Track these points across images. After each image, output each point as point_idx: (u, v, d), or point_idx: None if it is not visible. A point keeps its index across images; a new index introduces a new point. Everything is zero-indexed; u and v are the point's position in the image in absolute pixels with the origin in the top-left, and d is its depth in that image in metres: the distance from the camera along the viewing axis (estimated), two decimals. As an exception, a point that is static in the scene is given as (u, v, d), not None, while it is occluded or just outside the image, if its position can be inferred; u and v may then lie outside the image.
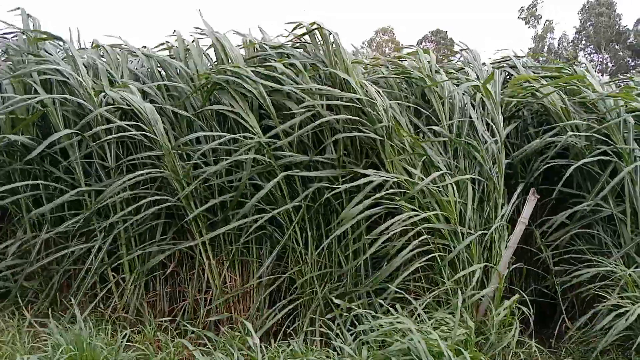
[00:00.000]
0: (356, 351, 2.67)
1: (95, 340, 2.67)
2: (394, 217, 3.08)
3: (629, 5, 57.72)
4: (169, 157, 3.17)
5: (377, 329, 2.72)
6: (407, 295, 2.95)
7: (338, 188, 3.11)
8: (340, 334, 2.85)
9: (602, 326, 2.99)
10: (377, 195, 3.07)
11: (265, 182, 3.21)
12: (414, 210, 3.13)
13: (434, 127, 3.45)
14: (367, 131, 3.16)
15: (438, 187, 3.22)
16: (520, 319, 3.09)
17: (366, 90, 3.23)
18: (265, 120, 3.39)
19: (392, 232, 3.06)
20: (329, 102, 3.18)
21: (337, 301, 3.01)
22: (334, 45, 3.41)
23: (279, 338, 3.07)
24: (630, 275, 3.16)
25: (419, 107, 3.57)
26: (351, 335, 2.83)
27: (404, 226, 3.08)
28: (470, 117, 3.50)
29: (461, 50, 4.57)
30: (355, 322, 2.93)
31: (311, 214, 3.29)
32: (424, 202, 3.19)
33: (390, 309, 2.87)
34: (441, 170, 3.25)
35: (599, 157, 3.42)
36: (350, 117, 3.16)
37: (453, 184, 3.25)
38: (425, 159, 3.29)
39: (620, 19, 31.10)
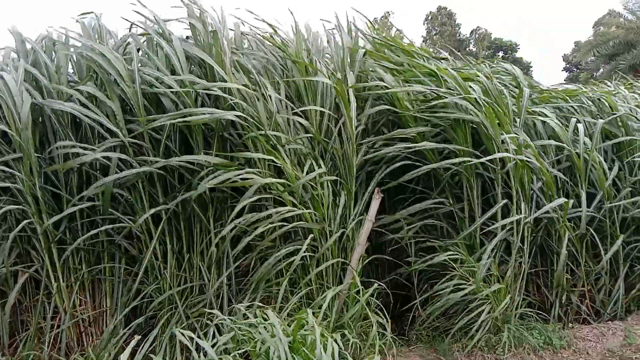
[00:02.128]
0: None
1: None
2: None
3: (466, 16, 65.94)
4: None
5: (243, 335, 2.73)
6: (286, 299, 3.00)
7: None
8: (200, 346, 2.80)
9: (441, 305, 3.31)
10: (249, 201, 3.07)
11: (126, 191, 3.07)
12: (293, 205, 3.15)
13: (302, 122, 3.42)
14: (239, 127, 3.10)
15: (313, 185, 3.27)
16: (380, 310, 3.30)
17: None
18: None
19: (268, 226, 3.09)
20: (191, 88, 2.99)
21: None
22: (210, 33, 3.21)
23: (137, 356, 2.92)
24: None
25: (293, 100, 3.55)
26: (213, 345, 2.80)
27: (278, 220, 3.10)
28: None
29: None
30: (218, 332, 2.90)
31: (172, 225, 3.20)
32: (301, 200, 3.22)
33: (248, 314, 2.88)
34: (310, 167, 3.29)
35: (444, 164, 3.69)
36: (210, 114, 2.98)
37: (328, 183, 3.34)
38: (296, 157, 3.29)
39: (459, 28, 35.12)
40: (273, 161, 3.12)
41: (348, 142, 3.52)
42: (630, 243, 4.00)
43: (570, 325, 3.73)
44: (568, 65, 28.33)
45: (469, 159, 3.49)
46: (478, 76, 3.83)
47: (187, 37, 3.44)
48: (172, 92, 2.95)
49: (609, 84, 5.26)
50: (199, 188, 2.88)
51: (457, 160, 3.50)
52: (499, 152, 3.50)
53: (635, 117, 4.49)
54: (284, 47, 3.67)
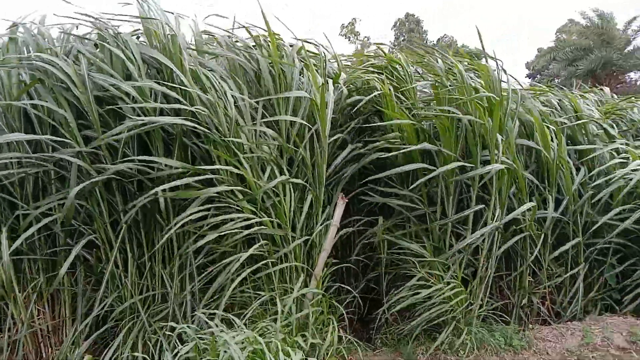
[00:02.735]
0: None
1: None
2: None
3: (433, 23, 66.79)
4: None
5: (205, 344, 2.73)
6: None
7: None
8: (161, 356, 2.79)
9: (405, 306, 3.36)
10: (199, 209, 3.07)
11: (83, 200, 3.02)
12: (253, 213, 3.14)
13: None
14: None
15: (275, 192, 3.26)
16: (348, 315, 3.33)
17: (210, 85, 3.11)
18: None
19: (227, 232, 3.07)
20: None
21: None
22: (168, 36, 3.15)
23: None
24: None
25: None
26: (174, 355, 2.78)
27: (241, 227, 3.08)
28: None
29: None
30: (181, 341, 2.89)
31: (132, 233, 3.16)
32: (262, 207, 3.21)
33: (209, 322, 2.87)
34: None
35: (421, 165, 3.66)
36: (171, 121, 2.96)
37: (290, 189, 3.32)
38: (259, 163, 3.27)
39: (427, 35, 35.53)
40: (236, 167, 3.12)
41: (320, 149, 3.50)
42: (590, 246, 4.11)
43: (530, 326, 3.82)
44: (531, 72, 28.96)
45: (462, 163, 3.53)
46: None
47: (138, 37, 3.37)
48: (129, 99, 2.91)
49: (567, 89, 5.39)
50: (159, 193, 2.86)
51: (450, 166, 3.51)
52: (489, 154, 3.57)
53: (596, 122, 4.63)
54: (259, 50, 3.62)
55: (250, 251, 3.09)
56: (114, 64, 3.01)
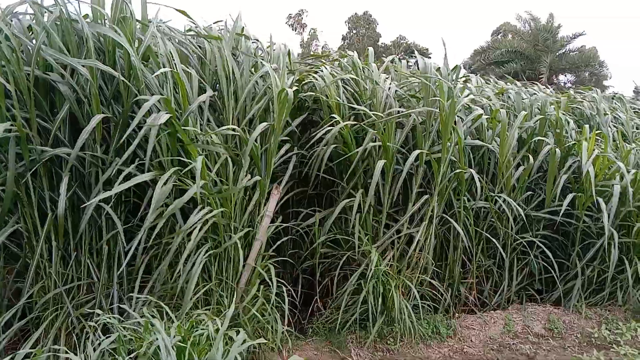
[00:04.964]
0: (100, 361, 2.58)
1: None
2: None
3: (387, 26, 67.61)
4: None
5: (131, 335, 2.68)
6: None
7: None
8: (85, 347, 2.72)
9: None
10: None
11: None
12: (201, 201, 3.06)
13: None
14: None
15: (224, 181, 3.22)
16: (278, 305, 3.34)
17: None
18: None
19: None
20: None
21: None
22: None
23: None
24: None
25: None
26: (99, 345, 2.72)
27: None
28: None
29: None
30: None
31: (56, 221, 3.03)
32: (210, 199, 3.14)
33: (135, 314, 2.82)
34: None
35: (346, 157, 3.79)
36: None
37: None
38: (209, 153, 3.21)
39: (380, 37, 35.98)
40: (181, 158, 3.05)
41: (273, 141, 3.45)
42: (517, 239, 4.32)
43: (457, 315, 4.00)
44: (468, 71, 30.26)
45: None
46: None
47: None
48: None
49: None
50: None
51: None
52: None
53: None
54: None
55: (194, 239, 3.02)
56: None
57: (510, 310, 4.13)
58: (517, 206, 4.08)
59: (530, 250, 4.32)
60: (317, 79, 3.91)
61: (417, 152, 3.72)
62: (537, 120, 4.50)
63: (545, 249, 4.29)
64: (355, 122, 3.81)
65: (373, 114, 3.69)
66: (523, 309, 4.17)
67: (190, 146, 2.93)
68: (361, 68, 4.14)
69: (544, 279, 4.41)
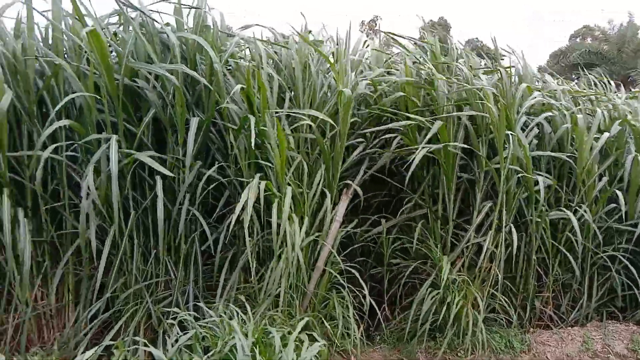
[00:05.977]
0: (177, 357, 2.65)
1: None
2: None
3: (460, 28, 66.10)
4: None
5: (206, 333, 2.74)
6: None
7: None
8: (165, 343, 2.81)
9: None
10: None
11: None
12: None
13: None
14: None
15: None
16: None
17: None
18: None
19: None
20: None
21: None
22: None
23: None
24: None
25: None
26: (176, 341, 2.80)
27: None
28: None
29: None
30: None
31: (138, 220, 3.17)
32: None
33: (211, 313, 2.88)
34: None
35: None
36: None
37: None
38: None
39: (452, 38, 35.42)
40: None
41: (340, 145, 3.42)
42: (597, 253, 4.06)
43: (532, 330, 3.81)
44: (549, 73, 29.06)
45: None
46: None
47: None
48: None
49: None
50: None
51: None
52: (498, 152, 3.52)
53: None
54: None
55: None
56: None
57: (589, 327, 3.89)
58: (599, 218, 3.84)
59: (612, 265, 4.05)
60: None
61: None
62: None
63: (628, 264, 4.01)
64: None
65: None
66: (603, 326, 3.91)
67: (275, 151, 2.93)
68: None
69: (628, 296, 4.12)
